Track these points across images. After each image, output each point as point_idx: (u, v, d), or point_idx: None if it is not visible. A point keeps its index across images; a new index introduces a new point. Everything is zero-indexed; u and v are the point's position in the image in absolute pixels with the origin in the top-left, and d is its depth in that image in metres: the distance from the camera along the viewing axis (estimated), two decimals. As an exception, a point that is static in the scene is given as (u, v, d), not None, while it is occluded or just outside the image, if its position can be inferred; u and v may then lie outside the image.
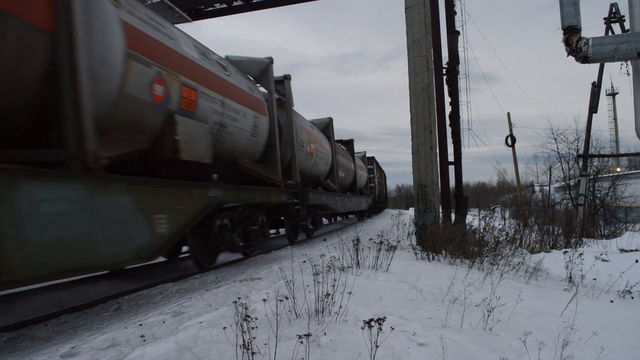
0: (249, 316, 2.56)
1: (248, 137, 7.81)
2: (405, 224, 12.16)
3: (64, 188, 3.69)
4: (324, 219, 17.05)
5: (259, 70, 8.92)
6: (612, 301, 5.20)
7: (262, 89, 9.13)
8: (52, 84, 3.85)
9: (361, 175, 21.50)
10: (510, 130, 24.10)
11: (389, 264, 5.52)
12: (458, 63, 12.15)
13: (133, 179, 4.60)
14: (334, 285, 3.52)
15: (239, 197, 7.18)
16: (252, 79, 8.91)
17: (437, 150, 9.38)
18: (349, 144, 19.45)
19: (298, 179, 10.11)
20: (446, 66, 12.09)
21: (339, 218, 23.76)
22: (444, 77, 11.84)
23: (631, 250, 9.03)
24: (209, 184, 6.18)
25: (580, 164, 20.87)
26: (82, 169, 3.91)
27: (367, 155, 26.69)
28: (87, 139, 3.97)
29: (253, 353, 2.44)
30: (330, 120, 14.98)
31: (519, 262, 7.04)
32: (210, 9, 15.94)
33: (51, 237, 3.50)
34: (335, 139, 15.47)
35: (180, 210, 5.37)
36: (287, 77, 9.99)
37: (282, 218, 10.76)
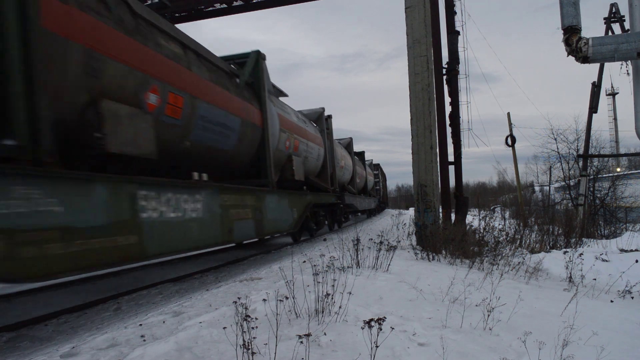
0: (249, 316, 2.56)
1: (314, 162, 12.35)
2: (405, 224, 12.16)
3: (273, 196, 8.59)
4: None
5: (316, 116, 13.88)
6: (612, 301, 5.19)
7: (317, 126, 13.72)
8: (261, 149, 8.52)
9: (370, 180, 26.37)
10: (510, 130, 24.12)
11: (389, 264, 5.53)
12: (458, 63, 12.12)
13: (289, 191, 9.65)
14: (333, 285, 3.52)
15: (316, 199, 11.79)
16: (312, 121, 13.51)
17: (437, 150, 9.38)
18: (361, 154, 24.64)
19: (337, 186, 14.62)
20: (446, 66, 12.07)
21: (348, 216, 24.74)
22: (444, 77, 11.80)
23: (631, 250, 9.03)
24: (305, 192, 11.02)
25: (580, 164, 20.89)
26: (272, 187, 8.53)
27: (374, 162, 32.37)
28: (273, 174, 8.69)
29: (253, 353, 2.44)
30: (351, 139, 20.21)
31: (519, 262, 7.03)
32: (210, 9, 15.92)
33: (271, 218, 8.34)
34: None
35: (300, 206, 10.31)
36: (329, 117, 14.52)
37: (323, 214, 14.10)
